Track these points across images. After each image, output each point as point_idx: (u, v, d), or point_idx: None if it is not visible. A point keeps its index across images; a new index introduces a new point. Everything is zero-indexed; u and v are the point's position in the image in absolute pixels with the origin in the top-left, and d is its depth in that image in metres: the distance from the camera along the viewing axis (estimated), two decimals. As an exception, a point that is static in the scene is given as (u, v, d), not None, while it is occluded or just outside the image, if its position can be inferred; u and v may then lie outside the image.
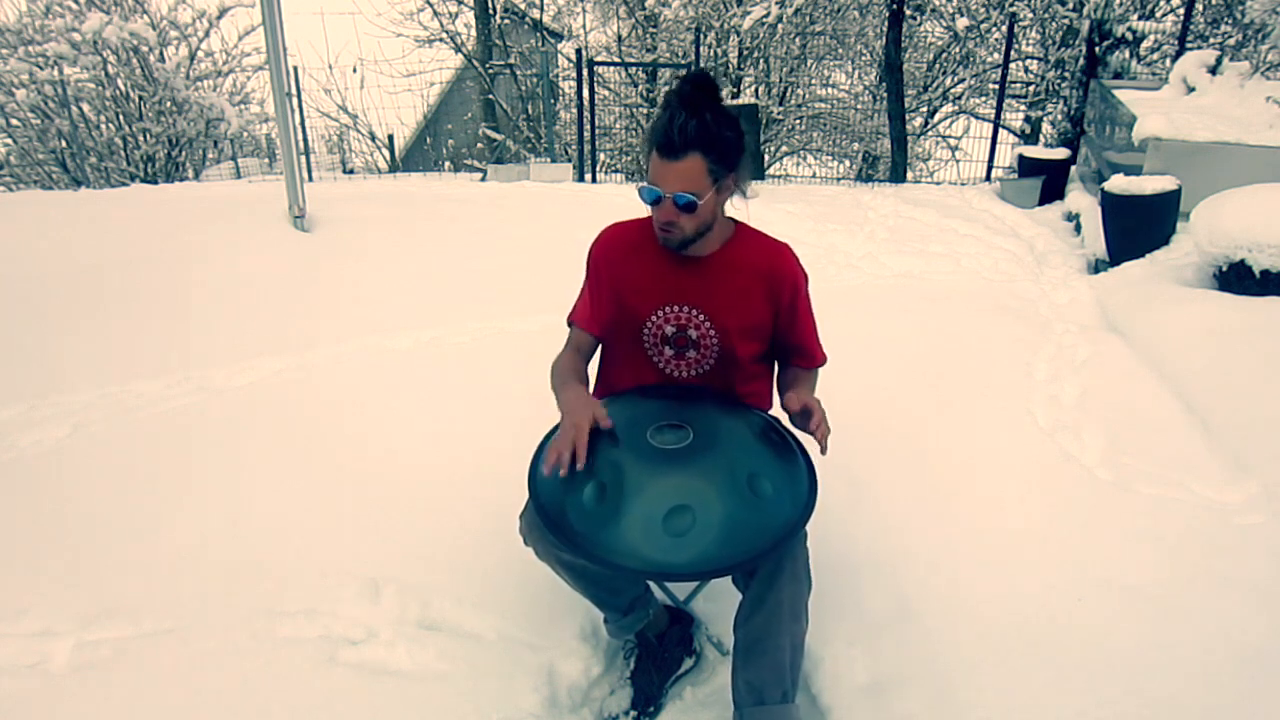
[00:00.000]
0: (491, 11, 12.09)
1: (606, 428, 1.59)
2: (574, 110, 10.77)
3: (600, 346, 1.93)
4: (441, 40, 12.57)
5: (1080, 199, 6.56)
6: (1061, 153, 7.40)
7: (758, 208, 6.50)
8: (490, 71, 12.39)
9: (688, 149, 1.59)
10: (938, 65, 12.62)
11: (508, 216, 6.24)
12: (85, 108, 10.02)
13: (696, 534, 1.45)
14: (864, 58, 12.85)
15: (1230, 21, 9.06)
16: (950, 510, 2.41)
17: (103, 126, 10.23)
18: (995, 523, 2.34)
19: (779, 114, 12.62)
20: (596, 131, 9.12)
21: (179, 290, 4.23)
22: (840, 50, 12.69)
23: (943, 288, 4.86)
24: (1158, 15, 9.41)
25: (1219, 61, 6.76)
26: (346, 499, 2.49)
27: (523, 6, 12.78)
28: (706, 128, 1.59)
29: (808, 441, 1.70)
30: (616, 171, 11.95)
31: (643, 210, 1.86)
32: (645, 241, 1.81)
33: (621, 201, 6.81)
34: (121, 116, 10.11)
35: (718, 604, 2.11)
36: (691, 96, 1.60)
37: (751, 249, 1.81)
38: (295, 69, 8.93)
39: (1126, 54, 8.64)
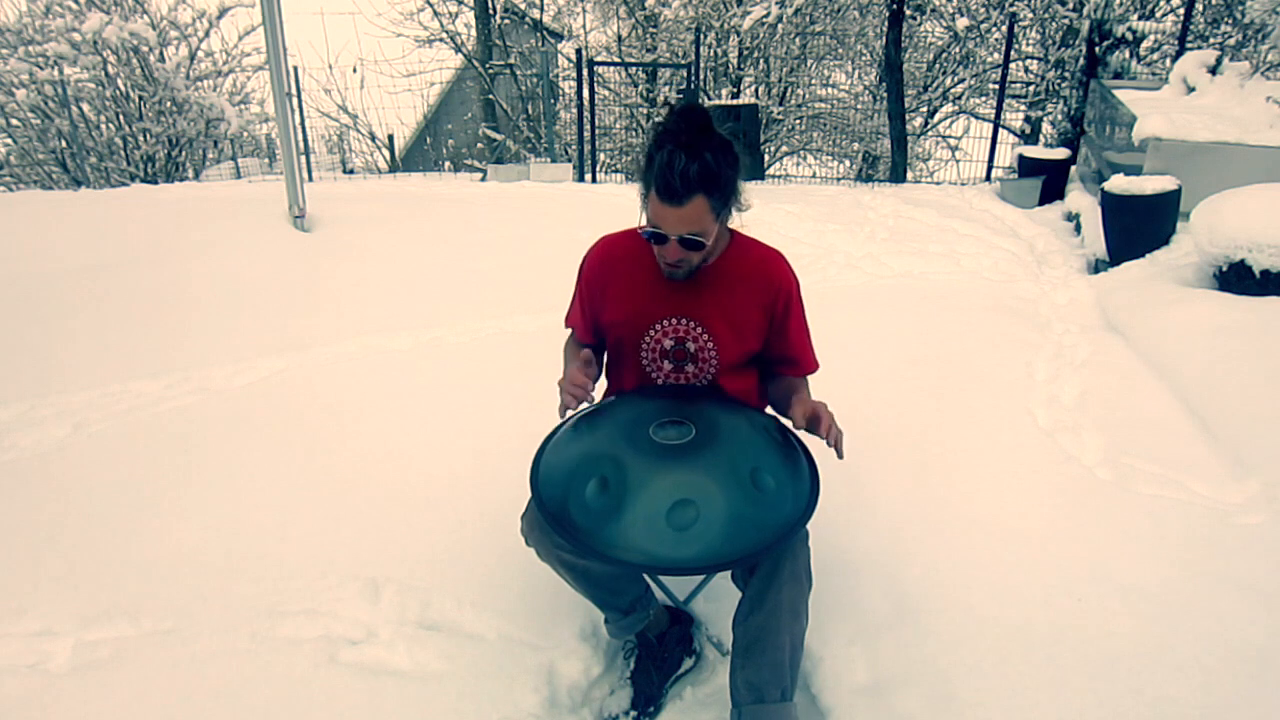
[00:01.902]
0: (491, 11, 12.09)
1: (586, 359, 1.72)
2: (574, 110, 10.78)
3: (605, 355, 1.95)
4: (441, 40, 12.57)
5: (1080, 199, 6.56)
6: (1061, 153, 7.40)
7: (758, 208, 6.52)
8: (490, 71, 12.39)
9: (691, 193, 1.56)
10: (938, 65, 12.61)
11: (508, 216, 6.24)
12: (85, 108, 10.03)
13: (700, 529, 1.45)
14: (864, 58, 12.86)
15: (1230, 21, 9.06)
16: (950, 510, 2.41)
17: (103, 126, 10.24)
18: (995, 523, 2.34)
19: (779, 114, 12.62)
20: (596, 131, 9.12)
21: (179, 290, 4.23)
22: (840, 50, 12.69)
23: (943, 288, 4.86)
24: (1158, 15, 9.41)
25: (1219, 61, 6.76)
26: (346, 499, 2.49)
27: (523, 6, 12.78)
28: (708, 169, 1.56)
29: (818, 446, 1.69)
30: (616, 171, 11.94)
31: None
32: (639, 254, 1.80)
33: (621, 201, 6.81)
34: (121, 116, 10.11)
35: (718, 604, 2.11)
36: (688, 136, 1.56)
37: (745, 258, 1.80)
38: (295, 69, 8.93)
39: (1126, 54, 8.65)
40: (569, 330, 1.97)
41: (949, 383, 3.30)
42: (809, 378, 1.92)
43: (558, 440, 1.71)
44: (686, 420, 1.62)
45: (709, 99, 11.14)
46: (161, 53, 10.08)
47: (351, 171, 11.43)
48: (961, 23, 10.85)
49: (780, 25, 10.58)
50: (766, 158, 11.73)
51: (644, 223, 1.68)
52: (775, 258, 1.83)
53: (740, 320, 1.79)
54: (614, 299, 1.83)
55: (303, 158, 8.50)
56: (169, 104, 10.01)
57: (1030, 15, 9.70)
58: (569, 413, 1.70)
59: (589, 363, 1.74)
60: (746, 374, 1.87)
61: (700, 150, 1.56)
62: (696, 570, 1.53)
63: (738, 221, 1.80)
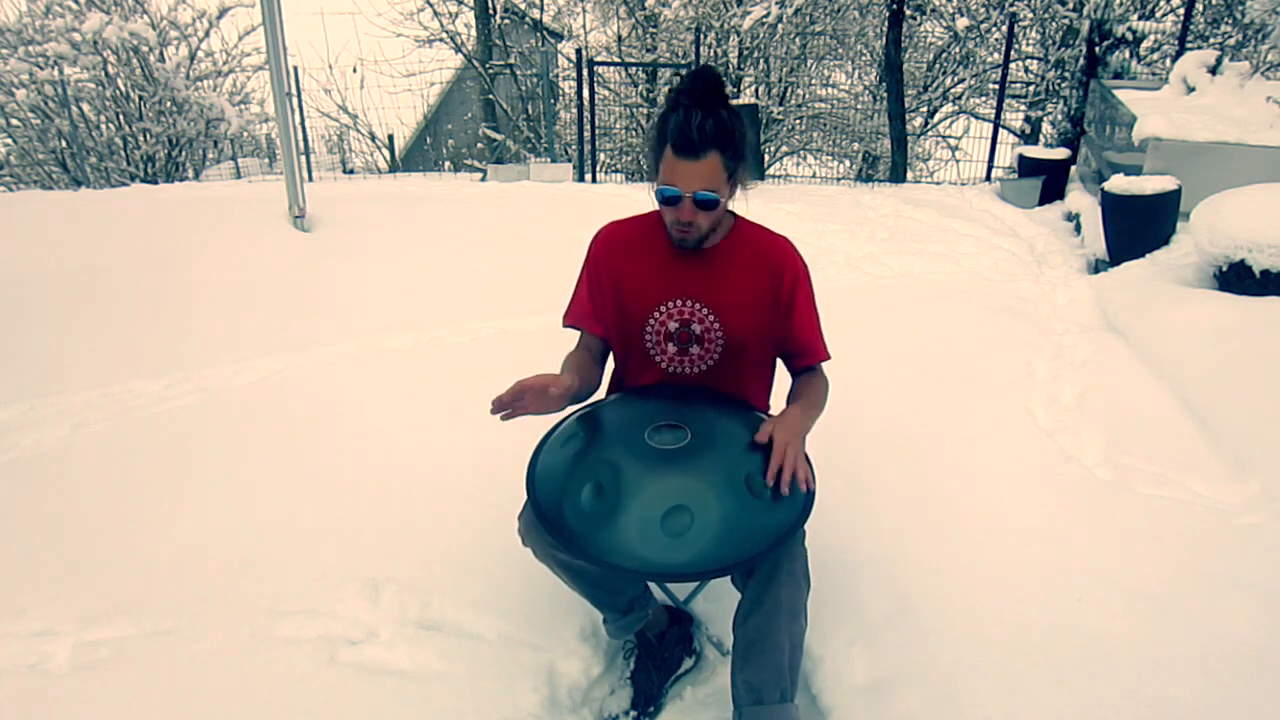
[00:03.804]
0: (491, 11, 12.09)
1: (554, 393, 1.61)
2: (574, 110, 10.78)
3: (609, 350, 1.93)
4: (441, 40, 12.57)
5: (1080, 199, 6.57)
6: (1061, 153, 7.40)
7: (758, 208, 6.52)
8: (490, 71, 12.39)
9: (707, 147, 1.58)
10: (938, 65, 12.61)
11: (508, 216, 6.24)
12: (85, 108, 10.04)
13: (694, 534, 1.45)
14: (864, 58, 12.85)
15: (1230, 21, 9.06)
16: (950, 510, 2.41)
17: (103, 126, 10.24)
18: (995, 523, 2.34)
19: (779, 114, 12.62)
20: (596, 131, 9.12)
21: (179, 290, 4.23)
22: (840, 50, 12.69)
23: (943, 288, 4.86)
24: (1158, 15, 9.41)
25: (1219, 61, 6.76)
26: (346, 499, 2.49)
27: (523, 6, 12.78)
28: (723, 125, 1.59)
29: (818, 451, 1.68)
30: (616, 171, 11.95)
31: (641, 209, 1.86)
32: (645, 239, 1.80)
33: (621, 201, 6.81)
34: (121, 116, 10.12)
35: (718, 604, 2.11)
36: (703, 94, 1.59)
37: (752, 241, 1.81)
38: (295, 69, 8.93)
39: (1126, 54, 8.65)
40: (573, 329, 1.92)
41: (949, 383, 3.30)
42: (825, 367, 1.88)
43: (554, 443, 1.71)
44: (682, 424, 1.62)
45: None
46: (161, 53, 10.08)
47: (351, 171, 11.43)
48: (961, 23, 10.85)
49: (780, 25, 10.58)
50: (766, 158, 11.73)
51: (657, 187, 1.67)
52: (782, 242, 1.83)
53: (746, 302, 1.78)
54: (621, 281, 1.83)
55: (303, 158, 8.50)
56: (169, 104, 10.02)
57: (1030, 15, 9.70)
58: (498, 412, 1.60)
59: (562, 381, 1.66)
60: (751, 358, 1.86)
61: (715, 107, 1.58)
62: (690, 576, 1.52)
63: (742, 205, 1.80)
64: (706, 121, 1.57)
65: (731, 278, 1.77)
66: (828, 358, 1.87)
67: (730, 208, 1.79)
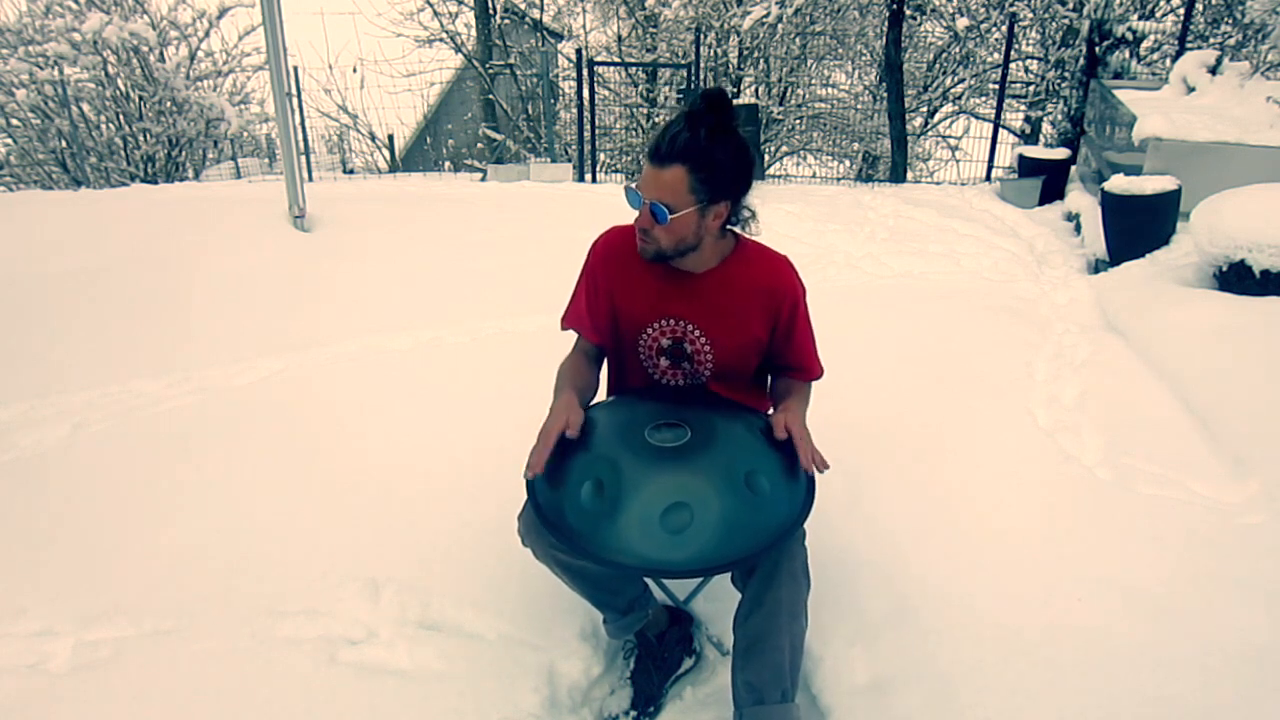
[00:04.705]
0: (491, 11, 12.09)
1: (571, 436, 1.60)
2: (574, 110, 10.78)
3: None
4: (441, 40, 12.57)
5: (1080, 199, 6.57)
6: (1061, 153, 7.40)
7: (758, 208, 6.51)
8: (490, 71, 12.39)
9: (673, 159, 1.57)
10: (938, 65, 12.62)
11: (508, 216, 6.24)
12: (85, 108, 10.04)
13: (694, 531, 1.45)
14: (864, 58, 12.86)
15: (1230, 21, 9.06)
16: (950, 510, 2.41)
17: (103, 126, 10.24)
18: (995, 522, 2.34)
19: (779, 114, 12.62)
20: (596, 131, 9.12)
21: (179, 290, 4.23)
22: (840, 50, 12.70)
23: (943, 288, 4.86)
24: (1158, 15, 9.41)
25: (1219, 61, 6.77)
26: (346, 499, 2.49)
27: (523, 6, 12.79)
28: (697, 143, 1.56)
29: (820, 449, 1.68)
30: (616, 171, 11.96)
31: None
32: None
33: (621, 202, 6.80)
34: (121, 116, 10.12)
35: (718, 604, 2.11)
36: (697, 112, 1.58)
37: (750, 265, 1.78)
38: (295, 69, 8.93)
39: (1126, 54, 8.65)
40: (571, 333, 1.93)
41: (949, 383, 3.30)
42: (813, 383, 1.91)
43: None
44: (682, 423, 1.62)
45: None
46: (161, 53, 10.08)
47: (351, 171, 11.43)
48: (961, 23, 10.85)
49: (780, 25, 10.58)
50: (766, 158, 11.74)
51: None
52: (781, 264, 1.80)
53: (740, 327, 1.77)
54: (617, 290, 1.82)
55: (303, 158, 8.50)
56: (169, 104, 10.02)
57: (1030, 15, 9.70)
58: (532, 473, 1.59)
59: (571, 406, 1.66)
60: (742, 377, 1.87)
61: (698, 124, 1.57)
62: (690, 573, 1.52)
63: (747, 232, 1.79)
64: (681, 134, 1.56)
65: (726, 304, 1.76)
66: (821, 375, 1.88)
67: (735, 231, 1.78)
